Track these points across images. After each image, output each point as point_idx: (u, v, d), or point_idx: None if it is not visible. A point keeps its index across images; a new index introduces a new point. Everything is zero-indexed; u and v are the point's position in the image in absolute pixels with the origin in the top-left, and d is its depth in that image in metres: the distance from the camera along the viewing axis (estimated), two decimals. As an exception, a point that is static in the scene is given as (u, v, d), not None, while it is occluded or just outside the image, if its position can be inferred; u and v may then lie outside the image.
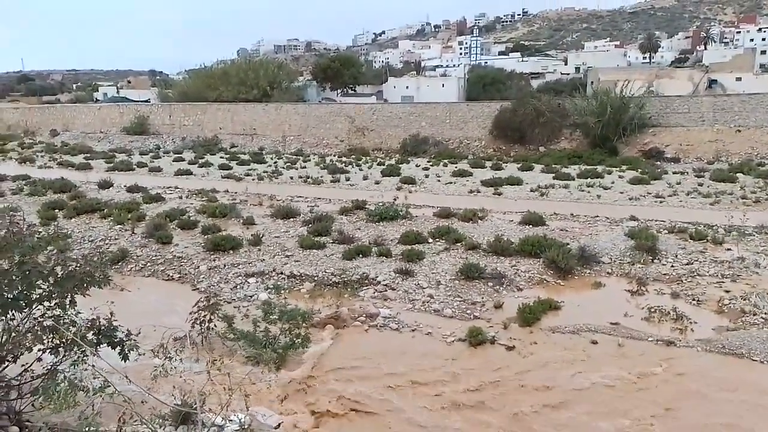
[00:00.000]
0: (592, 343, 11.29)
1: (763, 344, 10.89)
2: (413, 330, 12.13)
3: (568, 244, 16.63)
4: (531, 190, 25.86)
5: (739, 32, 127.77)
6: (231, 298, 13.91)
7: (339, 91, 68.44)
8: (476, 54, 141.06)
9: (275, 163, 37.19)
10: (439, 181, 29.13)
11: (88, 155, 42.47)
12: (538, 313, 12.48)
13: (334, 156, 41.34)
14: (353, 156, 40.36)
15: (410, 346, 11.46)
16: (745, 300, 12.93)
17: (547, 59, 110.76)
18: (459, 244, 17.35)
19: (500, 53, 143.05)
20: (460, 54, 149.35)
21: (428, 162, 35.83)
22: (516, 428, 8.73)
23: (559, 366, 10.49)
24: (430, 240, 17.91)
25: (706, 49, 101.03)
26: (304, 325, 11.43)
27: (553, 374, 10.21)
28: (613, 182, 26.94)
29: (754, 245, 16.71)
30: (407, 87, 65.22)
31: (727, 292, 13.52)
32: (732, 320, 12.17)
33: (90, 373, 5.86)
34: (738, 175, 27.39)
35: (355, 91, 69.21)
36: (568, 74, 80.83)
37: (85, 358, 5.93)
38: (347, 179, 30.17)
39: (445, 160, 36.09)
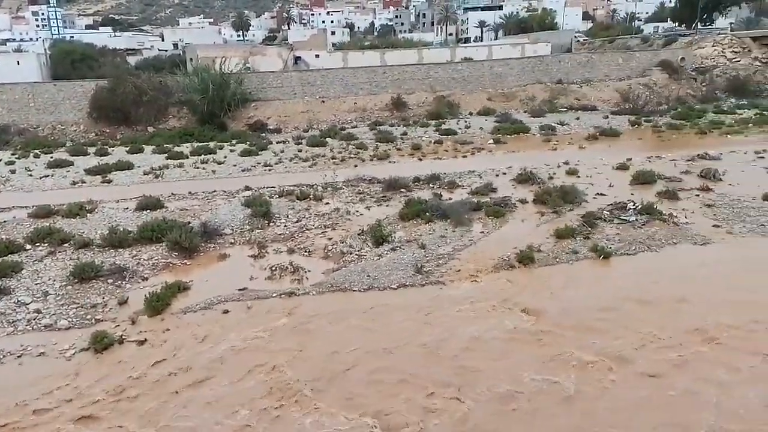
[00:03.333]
0: (224, 313, 11.67)
1: (359, 276, 13.25)
2: (20, 356, 10.21)
3: (189, 222, 16.59)
4: (144, 173, 24.59)
5: (313, 14, 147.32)
6: None
7: None
8: (58, 27, 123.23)
9: None
10: (30, 176, 24.78)
11: None
12: (168, 298, 12.15)
13: None
14: None
15: (17, 377, 9.63)
16: (343, 243, 15.41)
17: (142, 35, 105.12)
18: (67, 244, 15.30)
19: (88, 27, 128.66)
20: (38, 27, 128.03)
21: (12, 155, 29.94)
22: (150, 426, 8.40)
23: (194, 344, 10.51)
24: (29, 246, 15.25)
25: (289, 28, 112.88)
26: None
27: (190, 353, 10.19)
28: (225, 156, 27.92)
29: (344, 197, 19.94)
30: (-34, 65, 52.33)
31: (330, 239, 15.84)
32: (335, 262, 14.36)
33: None
34: (327, 139, 32.01)
35: None
36: (166, 50, 78.73)
37: None
38: None
39: (36, 151, 30.82)
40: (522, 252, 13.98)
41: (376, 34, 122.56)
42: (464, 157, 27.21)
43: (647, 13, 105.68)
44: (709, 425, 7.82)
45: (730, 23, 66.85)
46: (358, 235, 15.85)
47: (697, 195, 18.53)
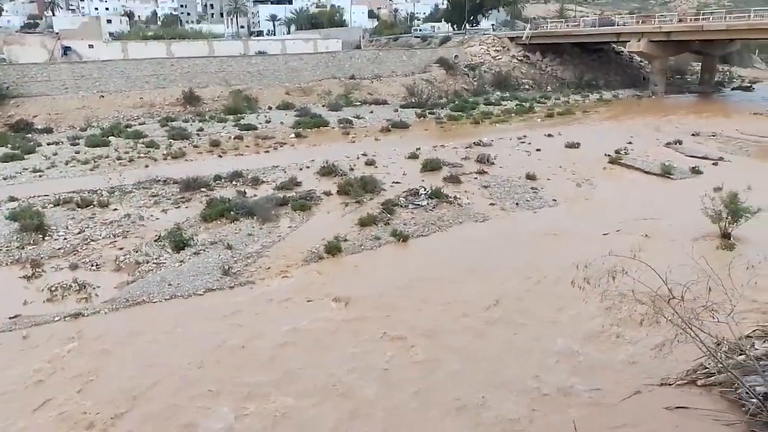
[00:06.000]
0: (-8, 349, 9.89)
1: (159, 286, 12.26)
2: None
3: (-66, 245, 13.67)
4: None
5: (83, 0, 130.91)
6: None
7: None
8: None
9: None
10: None
11: None
12: None
13: None
14: None
15: None
16: (137, 252, 14.10)
17: None
18: None
19: None
20: None
21: None
22: None
23: (-47, 392, 8.71)
24: None
25: (54, 14, 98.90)
26: None
27: (-52, 404, 8.43)
28: (-21, 163, 23.53)
29: (135, 201, 18.23)
30: None
31: (121, 249, 14.38)
32: (130, 273, 13.08)
33: None
34: (111, 138, 28.86)
35: None
36: None
37: None
38: None
39: None
40: (329, 243, 14.31)
41: (159, 23, 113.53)
42: (267, 152, 26.83)
43: (424, 13, 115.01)
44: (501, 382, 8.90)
45: (492, 25, 76.36)
46: (155, 241, 14.67)
47: (476, 178, 20.86)
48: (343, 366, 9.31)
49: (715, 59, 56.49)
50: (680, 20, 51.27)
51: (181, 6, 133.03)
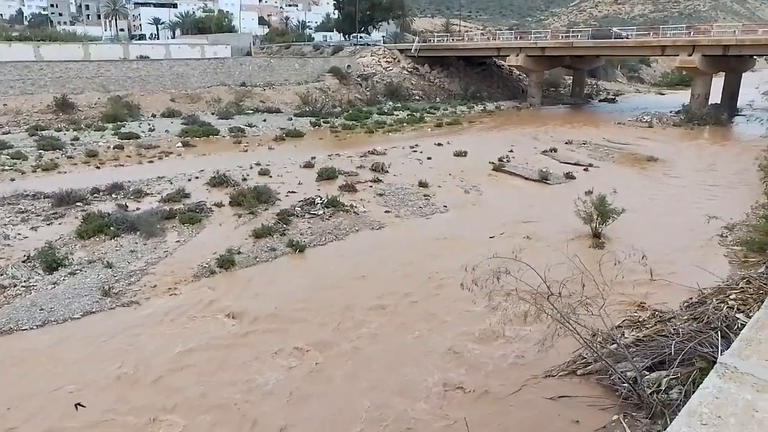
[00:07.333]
0: None
1: (29, 311, 11.14)
2: None
3: None
4: None
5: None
6: None
7: None
8: None
9: None
10: None
11: None
12: None
13: None
14: None
15: None
16: (2, 275, 12.72)
17: None
18: None
19: None
20: None
21: None
22: None
23: None
24: None
25: None
26: None
27: None
28: None
29: (-1, 218, 16.48)
30: None
31: (-18, 272, 12.89)
32: (-6, 299, 11.76)
33: None
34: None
35: None
36: None
37: None
38: None
39: None
40: (222, 256, 13.80)
41: (26, 23, 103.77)
42: (151, 162, 25.40)
43: (316, 22, 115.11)
44: (403, 384, 9.06)
45: (383, 36, 78.02)
46: (24, 262, 13.33)
47: (371, 186, 21.17)
48: (241, 384, 9.00)
49: (584, 73, 61.89)
50: (553, 37, 55.63)
51: (52, 5, 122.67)
